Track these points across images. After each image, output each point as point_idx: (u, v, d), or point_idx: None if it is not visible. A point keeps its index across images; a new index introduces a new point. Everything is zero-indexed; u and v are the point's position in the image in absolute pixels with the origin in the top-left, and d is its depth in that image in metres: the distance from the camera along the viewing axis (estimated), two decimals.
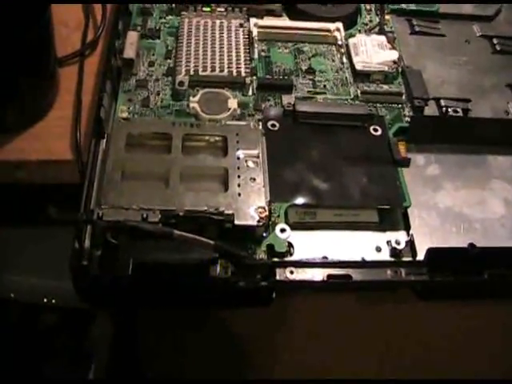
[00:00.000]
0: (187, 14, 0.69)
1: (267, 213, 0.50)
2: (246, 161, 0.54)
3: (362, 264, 0.51)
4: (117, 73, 0.62)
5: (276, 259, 0.51)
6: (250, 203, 0.51)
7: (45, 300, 0.67)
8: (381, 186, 0.57)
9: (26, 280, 0.67)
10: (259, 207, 0.51)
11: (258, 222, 0.50)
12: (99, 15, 0.72)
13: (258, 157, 0.54)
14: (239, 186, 0.52)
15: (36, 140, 0.60)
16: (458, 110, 0.64)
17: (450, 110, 0.64)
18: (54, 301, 0.67)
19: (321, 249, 0.53)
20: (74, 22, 0.71)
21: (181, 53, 0.64)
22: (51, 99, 0.62)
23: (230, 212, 0.50)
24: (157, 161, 0.54)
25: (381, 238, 0.55)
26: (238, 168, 0.53)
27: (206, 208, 0.50)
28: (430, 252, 0.52)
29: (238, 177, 0.53)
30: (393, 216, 0.56)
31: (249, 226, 0.50)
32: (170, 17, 0.70)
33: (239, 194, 0.51)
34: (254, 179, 0.52)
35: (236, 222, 0.50)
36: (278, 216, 0.53)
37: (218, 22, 0.68)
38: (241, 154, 0.54)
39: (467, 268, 0.52)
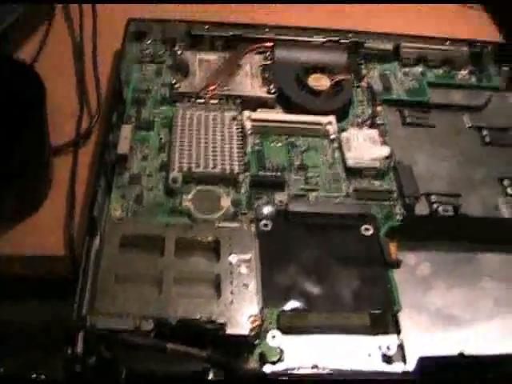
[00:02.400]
0: (181, 105, 0.69)
1: (259, 322, 0.51)
2: (239, 266, 0.54)
3: (352, 373, 0.51)
4: (111, 167, 0.62)
5: (268, 367, 0.50)
6: (242, 311, 0.51)
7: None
8: (372, 290, 0.57)
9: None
10: (252, 316, 0.51)
11: (251, 331, 0.50)
12: (94, 101, 0.72)
13: (250, 261, 0.54)
14: (232, 293, 0.52)
15: (29, 234, 0.60)
16: (449, 208, 0.63)
17: (440, 208, 0.64)
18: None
19: (312, 354, 0.53)
20: (69, 109, 0.72)
21: (174, 148, 0.64)
22: (46, 190, 0.62)
23: (223, 321, 0.50)
24: (150, 264, 0.54)
25: (372, 343, 0.55)
26: (231, 274, 0.53)
27: (199, 316, 0.50)
28: (421, 361, 0.51)
29: (231, 283, 0.53)
30: (384, 319, 0.56)
31: (241, 336, 0.50)
32: (163, 107, 0.70)
33: (232, 302, 0.51)
34: (247, 286, 0.53)
35: (228, 332, 0.50)
36: (270, 323, 0.52)
37: (211, 114, 0.69)
38: (233, 258, 0.54)
39: (458, 376, 0.51)
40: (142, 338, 0.48)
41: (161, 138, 0.68)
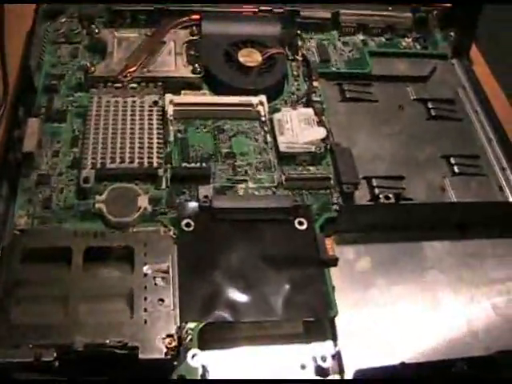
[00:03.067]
0: (97, 91, 0.62)
1: (176, 342, 0.45)
2: (155, 278, 0.49)
3: None
4: (16, 168, 0.55)
5: None
6: (157, 331, 0.46)
7: None
8: (306, 293, 0.53)
9: None
10: (167, 336, 0.45)
11: (166, 354, 0.45)
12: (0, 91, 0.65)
13: (167, 271, 0.48)
14: (146, 310, 0.47)
15: None
16: (390, 195, 0.59)
17: (381, 195, 0.59)
18: None
19: (239, 370, 0.48)
20: None
21: (88, 141, 0.59)
22: None
23: (135, 344, 0.44)
24: (55, 281, 0.49)
25: (305, 353, 0.50)
26: (146, 288, 0.48)
27: (107, 341, 0.44)
28: (357, 374, 0.47)
29: (145, 299, 0.48)
30: (319, 325, 0.51)
31: (156, 360, 0.44)
32: (78, 94, 0.64)
33: (145, 321, 0.46)
34: (163, 300, 0.47)
35: (141, 356, 0.44)
36: (191, 340, 0.47)
37: (130, 100, 0.63)
38: (149, 269, 0.49)
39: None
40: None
41: (74, 130, 0.62)
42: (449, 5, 0.81)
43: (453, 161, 0.66)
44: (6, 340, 0.45)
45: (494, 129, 0.70)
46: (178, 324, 0.47)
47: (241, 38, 0.71)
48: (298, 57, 0.73)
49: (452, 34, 0.79)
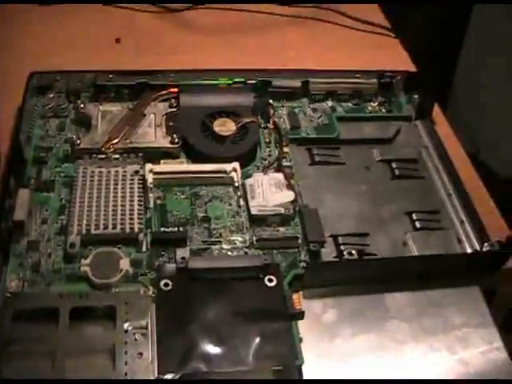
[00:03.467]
0: (83, 161, 0.68)
1: None
2: (134, 334, 0.53)
3: None
4: (7, 235, 0.61)
5: None
6: None
7: None
8: (274, 345, 0.57)
9: None
10: None
11: None
12: None
13: (146, 328, 0.54)
14: (126, 363, 0.51)
15: None
16: (353, 251, 0.63)
17: (345, 251, 0.63)
18: None
19: None
20: None
21: (73, 210, 0.63)
22: None
23: None
24: (43, 339, 0.53)
25: None
26: (126, 343, 0.53)
27: None
28: None
29: (125, 353, 0.52)
30: (287, 374, 0.56)
31: None
32: (65, 164, 0.70)
33: (125, 373, 0.50)
34: (141, 354, 0.52)
35: None
36: None
37: (113, 170, 0.68)
38: (129, 326, 0.54)
39: None
40: None
41: (61, 199, 0.67)
42: (413, 70, 0.87)
43: (414, 216, 0.71)
44: None
45: (454, 184, 0.74)
46: (156, 375, 0.51)
47: (216, 109, 0.76)
48: (269, 125, 0.78)
49: (416, 96, 0.83)
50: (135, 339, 0.53)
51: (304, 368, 0.57)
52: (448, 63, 1.44)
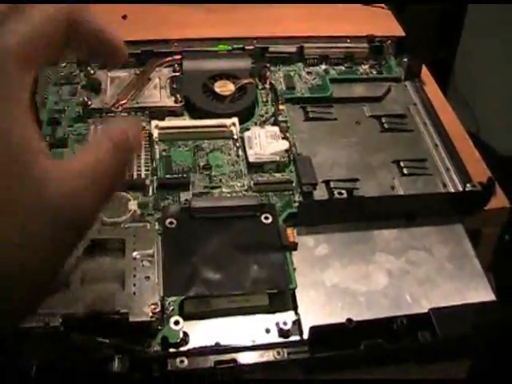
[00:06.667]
0: (94, 120, 0.75)
1: (160, 308, 0.56)
2: (142, 261, 0.59)
3: (249, 348, 0.57)
4: None
5: (171, 350, 0.56)
6: (143, 301, 0.56)
7: None
8: (269, 272, 0.62)
9: None
10: (152, 304, 0.56)
11: (151, 317, 0.55)
12: None
13: (152, 256, 0.60)
14: (135, 285, 0.57)
15: None
16: (343, 192, 0.69)
17: (335, 192, 0.69)
18: None
19: (214, 336, 0.59)
20: None
21: None
22: None
23: (125, 310, 0.55)
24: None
25: (270, 320, 0.60)
26: (135, 268, 0.59)
27: (103, 309, 0.55)
28: (311, 330, 0.57)
29: (134, 276, 0.58)
30: (282, 298, 0.62)
31: (143, 322, 0.55)
32: (77, 124, 0.76)
33: (134, 293, 0.57)
34: (148, 277, 0.58)
35: (130, 320, 0.55)
36: (173, 309, 0.58)
37: None
38: (137, 254, 0.60)
39: (346, 342, 0.57)
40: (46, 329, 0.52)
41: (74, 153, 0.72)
42: (402, 35, 0.93)
43: (402, 164, 0.76)
44: None
45: (440, 136, 0.80)
46: (162, 295, 0.58)
47: (216, 73, 0.82)
48: (266, 85, 0.84)
49: (405, 59, 0.89)
50: (143, 265, 0.59)
51: (297, 293, 0.62)
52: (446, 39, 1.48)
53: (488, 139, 1.50)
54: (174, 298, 0.59)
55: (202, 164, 0.72)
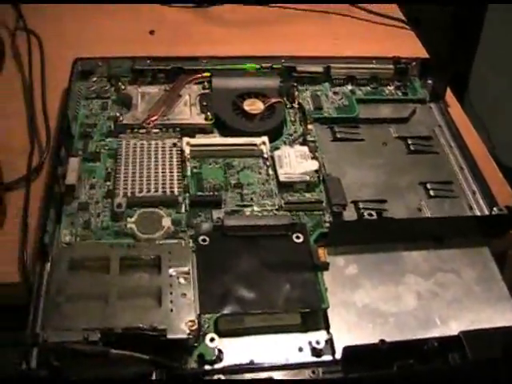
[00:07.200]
0: (125, 136, 0.75)
1: (197, 325, 0.57)
2: (178, 278, 0.60)
3: (284, 366, 0.57)
4: (60, 197, 0.68)
5: (207, 367, 0.56)
6: (181, 317, 0.57)
7: None
8: (301, 291, 0.63)
9: None
10: (189, 321, 0.57)
11: (189, 334, 0.56)
12: (43, 138, 0.79)
13: (188, 273, 0.60)
14: (171, 302, 0.58)
15: None
16: (373, 213, 0.70)
17: (365, 213, 0.70)
18: None
19: (248, 353, 0.59)
20: (19, 146, 0.79)
21: (119, 176, 0.70)
22: None
23: (163, 327, 0.56)
24: (97, 282, 0.60)
25: (302, 339, 0.61)
26: (171, 285, 0.60)
27: (141, 325, 0.56)
28: (345, 350, 0.58)
29: (171, 293, 0.59)
30: (314, 317, 0.62)
31: (180, 339, 0.56)
32: (109, 139, 0.77)
33: (171, 310, 0.57)
34: (185, 295, 0.59)
35: (168, 336, 0.56)
36: (208, 326, 0.59)
37: (153, 142, 0.75)
38: (173, 271, 0.60)
39: (378, 362, 0.57)
40: (86, 346, 0.53)
41: (107, 168, 0.73)
42: (426, 56, 0.94)
43: (429, 186, 0.77)
44: (59, 326, 0.56)
45: (465, 159, 0.80)
46: (198, 312, 0.58)
47: (245, 91, 0.83)
48: (294, 105, 0.85)
49: (430, 81, 0.90)
50: (179, 282, 0.60)
51: (329, 313, 0.63)
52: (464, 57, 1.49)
53: (500, 154, 1.51)
54: (209, 316, 0.59)
55: (233, 182, 0.72)
